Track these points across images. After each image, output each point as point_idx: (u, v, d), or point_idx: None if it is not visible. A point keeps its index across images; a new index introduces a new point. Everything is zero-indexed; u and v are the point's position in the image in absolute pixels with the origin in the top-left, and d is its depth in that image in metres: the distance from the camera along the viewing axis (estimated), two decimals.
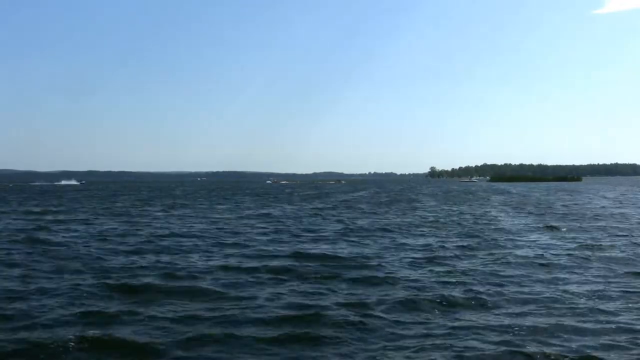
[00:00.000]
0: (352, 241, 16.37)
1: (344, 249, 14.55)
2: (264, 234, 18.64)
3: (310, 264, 11.69)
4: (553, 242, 15.87)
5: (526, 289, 9.30)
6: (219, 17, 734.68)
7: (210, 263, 12.04)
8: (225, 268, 11.34)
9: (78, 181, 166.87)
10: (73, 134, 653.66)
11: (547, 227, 20.13)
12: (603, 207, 33.17)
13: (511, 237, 17.26)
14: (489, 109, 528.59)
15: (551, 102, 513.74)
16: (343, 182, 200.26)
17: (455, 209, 32.41)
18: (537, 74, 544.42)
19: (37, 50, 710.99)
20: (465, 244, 15.40)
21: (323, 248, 14.71)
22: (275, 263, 12.05)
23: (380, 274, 10.72)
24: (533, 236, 17.43)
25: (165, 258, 12.95)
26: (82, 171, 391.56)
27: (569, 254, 13.14)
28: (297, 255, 13.11)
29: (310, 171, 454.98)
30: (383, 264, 11.97)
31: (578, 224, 21.32)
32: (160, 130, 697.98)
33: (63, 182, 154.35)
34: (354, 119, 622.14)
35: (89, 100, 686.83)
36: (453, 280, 9.98)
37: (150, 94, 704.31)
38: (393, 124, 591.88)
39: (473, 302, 8.45)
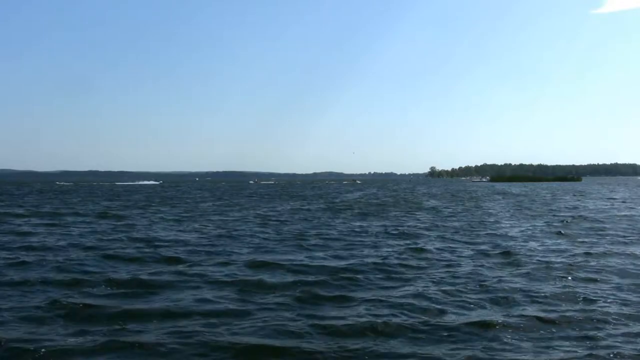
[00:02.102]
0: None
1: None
2: None
3: None
4: None
5: None
6: (219, 17, 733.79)
7: None
8: None
9: (157, 181, 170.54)
10: (73, 134, 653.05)
11: None
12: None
13: None
14: (489, 108, 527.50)
15: (551, 102, 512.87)
16: (359, 182, 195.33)
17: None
18: (537, 73, 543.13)
19: (37, 50, 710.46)
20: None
21: None
22: None
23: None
24: None
25: None
26: (83, 171, 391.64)
27: None
28: None
29: (310, 171, 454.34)
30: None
31: None
32: (160, 130, 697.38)
33: (144, 182, 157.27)
34: (354, 119, 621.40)
35: (88, 99, 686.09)
36: None
37: (151, 93, 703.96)
38: (393, 124, 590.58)
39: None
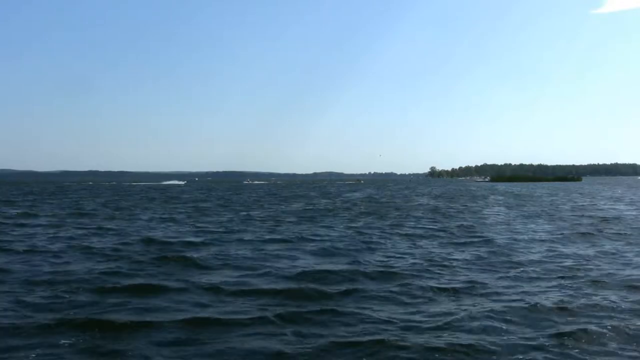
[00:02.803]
0: None
1: None
2: None
3: None
4: None
5: None
6: (219, 17, 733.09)
7: None
8: None
9: (182, 181, 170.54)
10: (73, 134, 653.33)
11: None
12: None
13: None
14: (489, 108, 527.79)
15: (551, 102, 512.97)
16: (362, 181, 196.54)
17: None
18: (537, 73, 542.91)
19: (37, 50, 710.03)
20: None
21: None
22: None
23: None
24: None
25: None
26: (83, 171, 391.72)
27: None
28: None
29: (310, 171, 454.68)
30: None
31: None
32: (160, 130, 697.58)
33: (170, 182, 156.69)
34: (354, 119, 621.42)
35: (88, 99, 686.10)
36: None
37: (151, 93, 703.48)
38: (393, 124, 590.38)
39: None
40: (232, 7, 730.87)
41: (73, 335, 7.24)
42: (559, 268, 12.12)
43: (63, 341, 7.02)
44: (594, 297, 9.24)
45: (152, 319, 8.03)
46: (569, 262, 12.88)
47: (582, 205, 37.41)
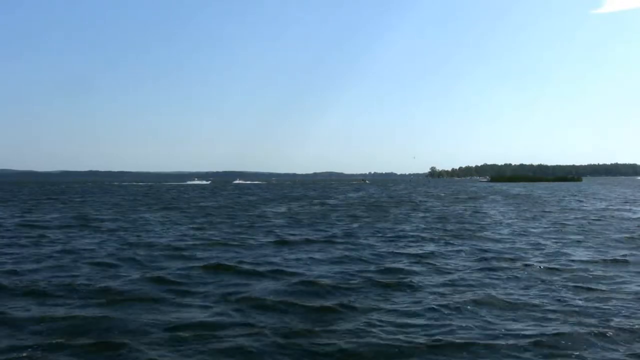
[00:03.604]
0: None
1: None
2: None
3: None
4: None
5: None
6: (219, 17, 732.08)
7: None
8: None
9: (206, 180, 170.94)
10: (73, 134, 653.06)
11: None
12: None
13: None
14: (489, 108, 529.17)
15: (551, 102, 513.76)
16: (367, 181, 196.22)
17: None
18: (537, 73, 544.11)
19: (37, 50, 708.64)
20: None
21: None
22: None
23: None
24: None
25: None
26: (83, 171, 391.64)
27: None
28: None
29: (310, 171, 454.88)
30: None
31: None
32: (160, 130, 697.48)
33: (195, 182, 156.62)
34: (354, 119, 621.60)
35: (88, 99, 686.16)
36: None
37: (151, 93, 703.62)
38: (393, 124, 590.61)
39: None
40: (232, 7, 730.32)
41: (68, 345, 7.08)
42: (576, 275, 11.98)
43: (58, 347, 6.90)
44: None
45: (148, 329, 7.76)
46: (565, 264, 12.74)
47: (588, 207, 37.21)
